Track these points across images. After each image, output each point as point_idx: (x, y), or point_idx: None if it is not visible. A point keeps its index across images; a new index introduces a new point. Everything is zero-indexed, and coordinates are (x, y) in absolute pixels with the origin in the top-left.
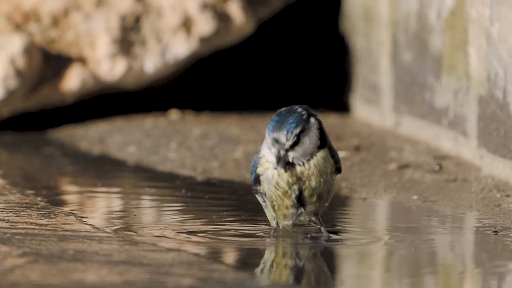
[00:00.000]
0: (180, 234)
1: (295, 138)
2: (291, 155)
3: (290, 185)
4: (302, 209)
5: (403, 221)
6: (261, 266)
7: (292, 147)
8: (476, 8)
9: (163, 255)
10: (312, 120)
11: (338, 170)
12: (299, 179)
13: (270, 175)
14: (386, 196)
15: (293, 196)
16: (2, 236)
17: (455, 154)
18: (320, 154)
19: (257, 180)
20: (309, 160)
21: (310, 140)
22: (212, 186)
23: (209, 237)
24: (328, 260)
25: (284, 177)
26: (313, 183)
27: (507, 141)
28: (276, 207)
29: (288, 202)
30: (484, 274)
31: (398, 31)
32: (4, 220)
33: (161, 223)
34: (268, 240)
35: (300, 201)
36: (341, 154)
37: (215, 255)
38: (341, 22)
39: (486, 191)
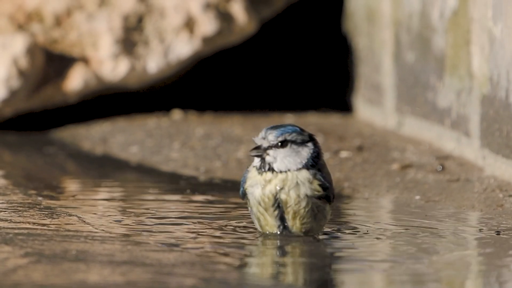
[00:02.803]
0: (183, 233)
1: (282, 139)
2: (271, 154)
3: (271, 202)
4: (287, 231)
5: (405, 221)
6: (264, 266)
7: (277, 147)
8: (479, 8)
9: (166, 255)
10: (310, 143)
11: (327, 198)
12: (277, 197)
13: (255, 191)
14: (388, 196)
15: (276, 215)
16: (5, 236)
17: (458, 154)
18: (304, 174)
19: (244, 194)
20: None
21: (298, 154)
22: (215, 186)
23: (212, 237)
24: (330, 259)
25: (266, 190)
26: (291, 201)
27: (509, 141)
28: (262, 223)
29: (271, 221)
30: (487, 274)
31: (400, 31)
32: (6, 220)
33: (164, 223)
34: (271, 239)
35: (284, 222)
36: (343, 154)
37: (217, 255)
38: (344, 22)
39: (489, 191)
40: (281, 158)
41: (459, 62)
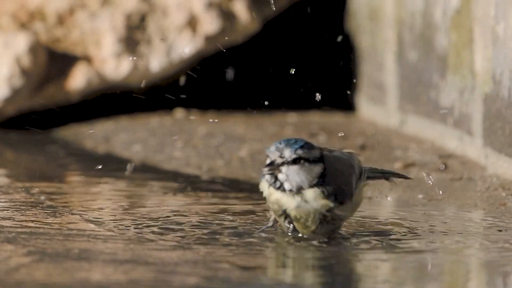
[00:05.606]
0: (186, 232)
1: (297, 156)
2: (284, 171)
3: (278, 213)
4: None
5: (408, 220)
6: (266, 265)
7: (291, 164)
8: (482, 7)
9: (168, 253)
10: (321, 163)
11: (340, 203)
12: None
13: (267, 198)
14: (391, 195)
15: (283, 221)
16: (8, 235)
17: (460, 153)
18: (312, 193)
19: None
20: (297, 193)
21: (309, 173)
22: (217, 184)
23: (214, 236)
24: (332, 259)
25: (274, 205)
26: (298, 217)
27: None
28: (279, 221)
29: (282, 223)
30: (490, 274)
31: (403, 30)
32: (9, 219)
33: (166, 222)
34: (273, 238)
35: (292, 224)
36: None
37: (220, 254)
38: (347, 21)
39: (491, 190)
40: (293, 176)
41: (462, 61)
